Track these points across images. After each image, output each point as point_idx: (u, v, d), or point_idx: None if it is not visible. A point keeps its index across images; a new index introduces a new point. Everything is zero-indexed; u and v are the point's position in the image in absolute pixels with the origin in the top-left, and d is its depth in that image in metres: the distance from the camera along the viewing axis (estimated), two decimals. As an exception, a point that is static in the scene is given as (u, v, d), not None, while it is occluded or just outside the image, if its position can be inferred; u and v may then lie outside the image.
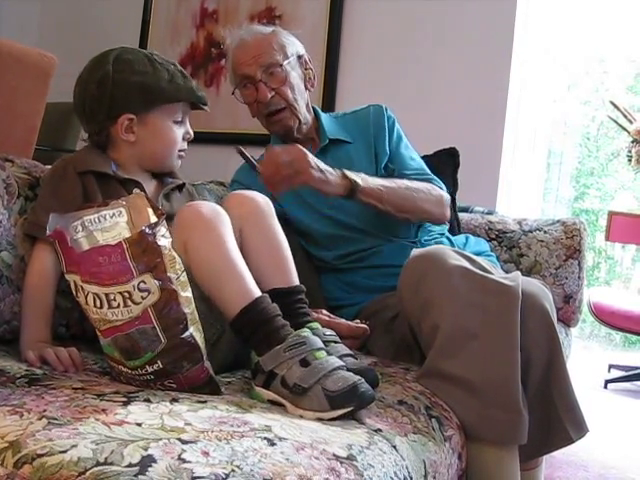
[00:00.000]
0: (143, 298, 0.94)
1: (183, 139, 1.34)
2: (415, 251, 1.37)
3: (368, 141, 1.78)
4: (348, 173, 1.52)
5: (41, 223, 1.18)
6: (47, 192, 1.25)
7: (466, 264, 1.28)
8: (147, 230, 0.95)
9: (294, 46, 1.75)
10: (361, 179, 1.53)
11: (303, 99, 1.75)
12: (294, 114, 1.71)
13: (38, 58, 1.86)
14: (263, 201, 1.26)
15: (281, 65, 1.68)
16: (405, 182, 1.65)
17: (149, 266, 0.94)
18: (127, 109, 1.26)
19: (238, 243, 1.22)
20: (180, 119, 1.32)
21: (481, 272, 1.26)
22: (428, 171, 1.78)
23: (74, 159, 1.30)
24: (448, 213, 1.72)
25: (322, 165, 1.49)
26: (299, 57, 1.76)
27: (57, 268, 1.17)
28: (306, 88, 1.77)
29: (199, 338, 1.00)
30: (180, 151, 1.34)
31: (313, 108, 1.81)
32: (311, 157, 1.47)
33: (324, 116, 1.83)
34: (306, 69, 1.78)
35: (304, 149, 1.48)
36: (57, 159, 1.32)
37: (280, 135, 1.75)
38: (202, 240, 1.06)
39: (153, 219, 0.99)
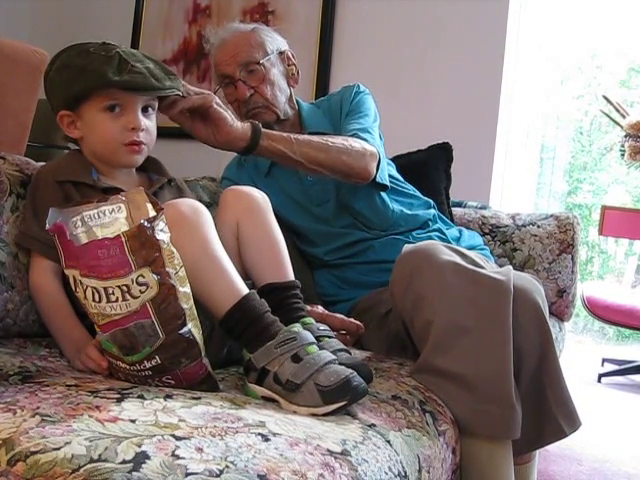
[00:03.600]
0: (141, 292, 0.94)
1: (127, 129, 1.22)
2: (407, 246, 1.36)
3: (339, 126, 1.73)
4: (253, 121, 1.44)
5: (30, 234, 1.20)
6: (29, 203, 1.24)
7: (458, 259, 1.28)
8: (146, 224, 0.94)
9: (275, 42, 1.73)
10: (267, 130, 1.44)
11: (284, 95, 1.72)
12: (271, 110, 1.69)
13: (29, 54, 1.85)
14: (260, 196, 1.26)
15: (259, 62, 1.66)
16: (323, 137, 1.55)
17: (147, 260, 0.94)
18: (60, 106, 1.23)
19: (234, 238, 1.23)
20: (112, 108, 1.20)
21: (473, 267, 1.26)
22: (369, 133, 1.65)
23: (54, 168, 1.27)
24: (372, 168, 1.59)
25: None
26: (280, 53, 1.73)
27: (57, 271, 1.17)
28: (289, 84, 1.75)
29: (197, 334, 1.00)
30: (131, 144, 1.22)
31: (297, 101, 1.79)
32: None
33: (307, 108, 1.80)
34: (289, 65, 1.75)
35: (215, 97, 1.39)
36: (49, 156, 1.31)
37: None
38: (185, 239, 1.04)
39: (152, 214, 0.98)
